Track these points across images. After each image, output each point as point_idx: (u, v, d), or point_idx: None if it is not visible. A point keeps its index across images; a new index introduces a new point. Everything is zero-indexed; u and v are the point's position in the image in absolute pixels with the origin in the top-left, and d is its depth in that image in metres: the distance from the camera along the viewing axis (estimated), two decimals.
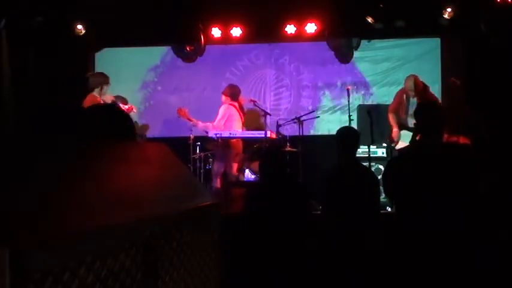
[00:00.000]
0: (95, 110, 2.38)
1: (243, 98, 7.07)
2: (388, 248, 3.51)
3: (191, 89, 8.15)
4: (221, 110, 6.75)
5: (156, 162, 1.70)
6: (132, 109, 6.35)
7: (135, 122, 8.04)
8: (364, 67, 8.04)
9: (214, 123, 6.66)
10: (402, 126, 6.33)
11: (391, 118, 6.44)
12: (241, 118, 6.87)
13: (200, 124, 6.74)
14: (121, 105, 6.10)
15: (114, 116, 2.20)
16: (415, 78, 6.35)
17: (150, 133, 7.93)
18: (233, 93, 6.83)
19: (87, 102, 5.94)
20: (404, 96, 6.42)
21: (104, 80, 6.07)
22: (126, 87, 7.32)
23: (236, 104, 6.82)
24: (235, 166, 6.75)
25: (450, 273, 3.04)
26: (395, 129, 6.34)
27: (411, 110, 6.33)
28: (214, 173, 6.67)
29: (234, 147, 6.66)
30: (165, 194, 1.54)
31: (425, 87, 6.38)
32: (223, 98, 6.85)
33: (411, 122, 6.32)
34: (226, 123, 6.66)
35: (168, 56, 8.17)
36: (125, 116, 2.27)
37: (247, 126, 7.07)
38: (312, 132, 7.50)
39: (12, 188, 0.98)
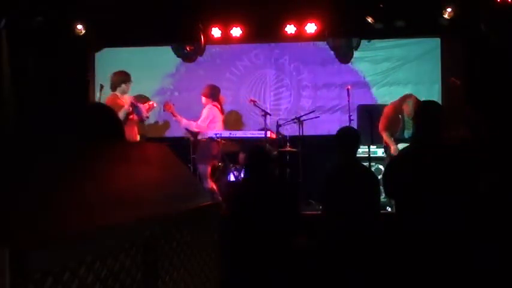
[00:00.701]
0: (85, 110, 2.38)
1: (222, 97, 7.03)
2: (388, 248, 3.51)
3: (191, 89, 8.14)
4: (206, 111, 6.67)
5: (156, 162, 1.70)
6: (153, 106, 6.36)
7: (156, 121, 8.05)
8: (364, 67, 8.04)
9: (198, 122, 6.62)
10: (398, 140, 6.20)
11: (386, 137, 6.22)
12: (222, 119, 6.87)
13: (184, 121, 6.69)
14: (140, 104, 6.14)
15: (100, 115, 2.20)
16: (414, 101, 6.26)
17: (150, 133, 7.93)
18: (213, 93, 6.77)
19: (108, 102, 6.03)
20: (400, 115, 6.30)
21: (125, 78, 6.13)
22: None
23: (218, 105, 6.80)
24: (210, 167, 6.70)
25: (450, 273, 3.04)
26: (393, 147, 6.14)
27: (407, 124, 6.24)
28: (202, 175, 6.59)
29: (213, 148, 6.63)
30: (165, 194, 1.55)
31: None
32: (204, 99, 6.73)
33: (407, 133, 6.25)
34: (210, 124, 6.63)
35: (167, 56, 8.16)
36: (111, 115, 2.28)
37: (226, 127, 7.09)
38: (312, 132, 7.50)
39: (12, 188, 0.98)
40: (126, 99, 6.04)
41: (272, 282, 3.57)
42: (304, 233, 3.97)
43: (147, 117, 6.44)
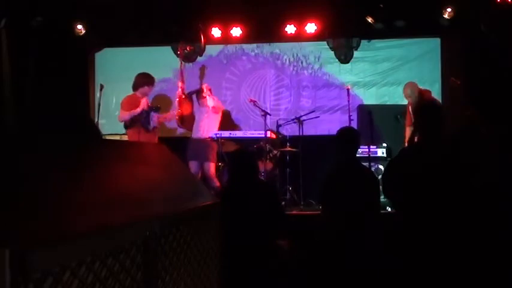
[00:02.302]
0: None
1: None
2: (388, 248, 3.51)
3: (190, 89, 8.13)
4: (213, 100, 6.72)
5: (156, 162, 1.70)
6: (171, 118, 6.36)
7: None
8: (364, 67, 8.03)
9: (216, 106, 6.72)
10: None
11: (408, 132, 6.22)
12: None
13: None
14: (156, 114, 6.12)
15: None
16: (410, 85, 6.28)
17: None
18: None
19: (125, 100, 6.07)
20: (410, 107, 6.31)
21: (146, 80, 6.16)
22: (126, 87, 7.29)
23: None
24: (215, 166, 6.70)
25: (450, 273, 3.04)
26: None
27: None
28: (208, 174, 6.56)
29: (217, 147, 6.62)
30: (165, 194, 1.55)
31: (421, 93, 6.30)
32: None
33: None
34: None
35: (167, 56, 8.15)
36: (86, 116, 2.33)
37: (226, 126, 7.16)
38: (312, 132, 7.50)
39: (12, 188, 0.98)
40: (141, 103, 6.05)
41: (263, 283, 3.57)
42: (288, 234, 3.96)
43: (156, 127, 6.38)
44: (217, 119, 6.71)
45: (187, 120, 6.79)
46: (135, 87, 6.18)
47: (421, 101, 6.09)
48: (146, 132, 6.16)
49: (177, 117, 6.66)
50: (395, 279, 3.29)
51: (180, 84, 6.80)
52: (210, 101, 6.52)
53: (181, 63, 6.96)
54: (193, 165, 6.59)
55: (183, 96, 6.72)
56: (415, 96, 6.26)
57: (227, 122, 7.68)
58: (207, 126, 6.62)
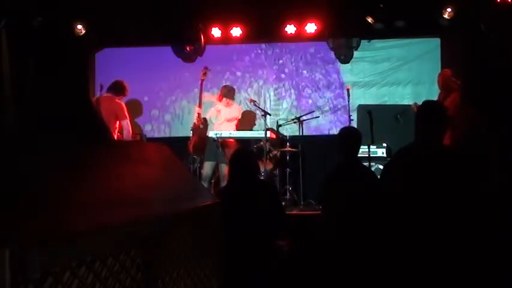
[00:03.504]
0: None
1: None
2: (388, 248, 3.50)
3: (191, 90, 8.15)
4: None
5: (156, 162, 1.70)
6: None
7: None
8: (364, 67, 8.04)
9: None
10: None
11: None
12: None
13: None
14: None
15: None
16: (440, 76, 6.23)
17: (150, 133, 7.93)
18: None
19: (125, 108, 6.14)
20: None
21: (124, 89, 6.23)
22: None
23: None
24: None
25: (449, 274, 3.04)
26: None
27: None
28: (223, 175, 6.55)
29: (234, 148, 6.63)
30: (165, 194, 1.55)
31: (450, 86, 6.21)
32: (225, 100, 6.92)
33: None
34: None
35: (168, 56, 8.15)
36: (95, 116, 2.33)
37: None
38: (312, 132, 7.50)
39: (12, 188, 0.98)
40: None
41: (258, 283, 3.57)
42: (288, 234, 3.96)
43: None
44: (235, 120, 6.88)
45: (200, 149, 6.78)
46: (119, 92, 6.19)
47: (447, 93, 6.04)
48: None
49: (190, 146, 6.72)
50: (396, 280, 3.29)
51: (197, 109, 6.86)
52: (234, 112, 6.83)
53: (201, 88, 6.99)
54: (208, 166, 6.63)
55: (200, 123, 6.77)
56: (441, 86, 6.18)
57: None
58: (226, 127, 6.68)
